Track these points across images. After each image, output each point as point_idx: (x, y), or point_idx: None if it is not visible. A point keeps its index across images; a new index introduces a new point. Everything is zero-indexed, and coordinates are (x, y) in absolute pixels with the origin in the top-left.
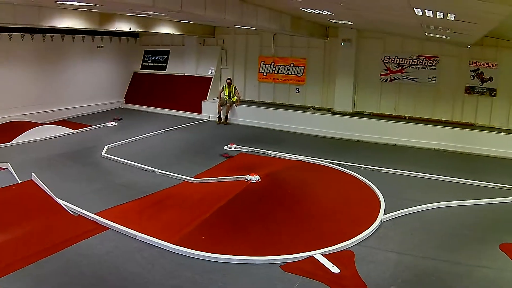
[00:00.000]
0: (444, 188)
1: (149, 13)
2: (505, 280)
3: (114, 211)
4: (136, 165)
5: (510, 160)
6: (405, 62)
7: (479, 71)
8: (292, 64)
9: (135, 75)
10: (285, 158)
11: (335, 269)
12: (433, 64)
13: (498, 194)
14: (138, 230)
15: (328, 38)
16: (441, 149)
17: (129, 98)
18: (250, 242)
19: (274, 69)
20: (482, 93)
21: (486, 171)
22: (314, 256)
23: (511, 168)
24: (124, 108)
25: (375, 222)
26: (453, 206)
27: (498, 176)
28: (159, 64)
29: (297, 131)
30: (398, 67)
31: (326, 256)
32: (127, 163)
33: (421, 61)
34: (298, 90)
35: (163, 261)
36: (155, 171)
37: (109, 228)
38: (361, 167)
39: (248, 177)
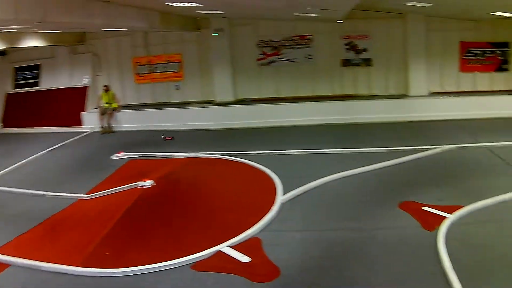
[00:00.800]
0: (337, 160)
1: (12, 27)
2: (408, 236)
3: (12, 245)
4: (25, 192)
5: (392, 123)
6: (280, 44)
7: (353, 44)
8: (168, 61)
9: (9, 96)
10: (175, 157)
11: (245, 259)
12: (308, 43)
13: (389, 157)
14: (41, 260)
15: (200, 30)
16: (327, 123)
17: (7, 122)
18: (157, 249)
19: (150, 68)
20: (359, 64)
21: (374, 137)
22: (221, 250)
23: (395, 131)
24: (3, 133)
25: (275, 205)
26: (348, 176)
27: (386, 140)
28: (32, 81)
29: (183, 128)
30: (273, 50)
31: (234, 247)
32: (15, 191)
33: (296, 41)
34: (177, 86)
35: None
36: (46, 195)
37: (10, 265)
38: (252, 153)
39: (141, 183)
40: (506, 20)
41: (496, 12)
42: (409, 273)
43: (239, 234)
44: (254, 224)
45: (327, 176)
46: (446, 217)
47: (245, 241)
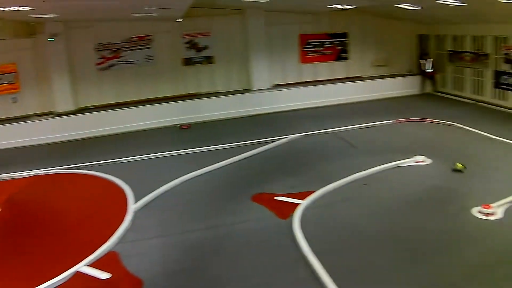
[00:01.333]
0: (187, 161)
1: None
2: (264, 227)
3: None
4: None
5: (238, 119)
6: (119, 47)
7: (193, 42)
8: (1, 73)
9: None
10: (19, 177)
11: (105, 275)
12: (148, 43)
13: (238, 152)
14: None
15: (35, 36)
16: (173, 124)
17: None
18: (11, 279)
19: None
20: (200, 62)
21: (221, 134)
22: (79, 270)
23: (242, 126)
24: None
25: (127, 214)
26: (200, 175)
27: (233, 135)
28: None
29: (24, 144)
30: (113, 53)
31: (92, 265)
32: None
33: (135, 42)
34: (15, 99)
35: None
36: None
37: None
38: (98, 163)
39: None
40: (343, 11)
41: (333, 5)
42: (271, 263)
43: (95, 250)
44: (109, 238)
45: (178, 177)
46: (298, 203)
47: (102, 256)
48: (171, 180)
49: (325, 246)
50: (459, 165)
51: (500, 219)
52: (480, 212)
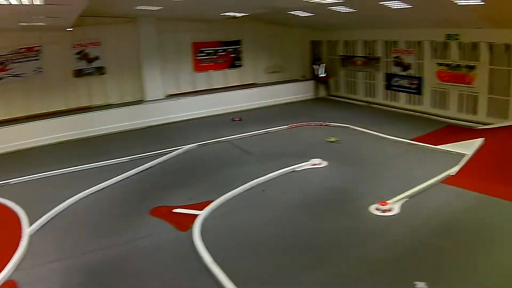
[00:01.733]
0: (81, 178)
1: None
2: (165, 241)
3: None
4: None
5: (132, 131)
6: (6, 59)
7: (84, 52)
8: None
9: None
10: None
11: None
12: (36, 55)
13: (133, 166)
14: None
15: None
16: (65, 140)
17: None
18: None
19: None
20: (92, 73)
21: (115, 147)
22: None
23: (136, 138)
24: None
25: (22, 239)
26: (95, 191)
27: (128, 149)
28: None
29: None
30: (0, 66)
31: None
32: None
33: (23, 54)
34: None
35: None
36: None
37: None
38: None
39: None
40: (236, 19)
41: (226, 12)
42: (175, 277)
43: None
44: (4, 267)
45: (73, 196)
46: (197, 214)
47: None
48: (65, 200)
49: (227, 255)
50: (332, 138)
51: (397, 214)
52: (377, 209)
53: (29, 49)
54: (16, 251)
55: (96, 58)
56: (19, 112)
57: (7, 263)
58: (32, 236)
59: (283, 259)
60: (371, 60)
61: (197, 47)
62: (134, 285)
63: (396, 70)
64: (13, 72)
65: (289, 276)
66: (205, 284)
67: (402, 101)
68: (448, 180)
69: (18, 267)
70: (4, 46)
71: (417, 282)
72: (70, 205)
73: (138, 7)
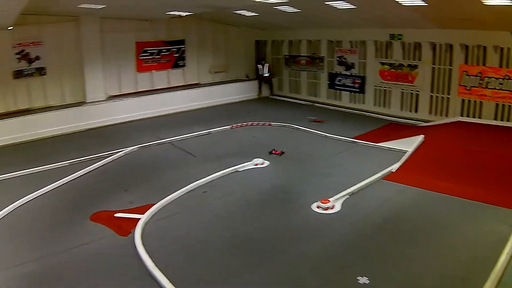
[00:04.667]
0: (16, 185)
1: None
2: (106, 247)
3: None
4: None
5: (72, 134)
6: None
7: (25, 52)
8: None
9: None
10: None
11: None
12: None
13: (72, 170)
14: None
15: None
16: (2, 144)
17: None
18: None
19: None
20: (32, 74)
21: (52, 151)
22: None
23: (75, 141)
24: None
25: None
26: (31, 199)
27: (66, 152)
28: None
29: None
30: None
31: None
32: None
33: None
34: None
35: None
36: None
37: None
38: None
39: None
40: (181, 18)
41: (170, 11)
42: (117, 284)
43: None
44: None
45: (9, 205)
46: (138, 218)
47: None
48: (2, 208)
49: (169, 259)
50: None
51: (338, 212)
52: (319, 207)
53: None
54: None
55: (37, 58)
56: None
57: None
58: None
59: (226, 259)
60: (315, 60)
61: (141, 47)
62: None
63: (340, 69)
64: None
65: (232, 276)
66: None
67: (345, 100)
68: (389, 176)
69: None
70: None
71: (359, 277)
72: (6, 214)
73: (81, 6)
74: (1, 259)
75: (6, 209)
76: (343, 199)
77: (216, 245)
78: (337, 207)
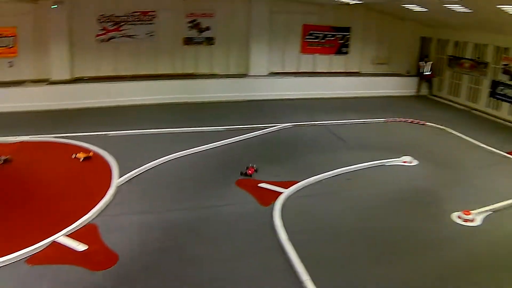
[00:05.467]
0: (176, 140)
1: None
2: (245, 213)
3: None
4: None
5: (233, 102)
6: (121, 20)
7: (196, 22)
8: (0, 35)
9: None
10: (4, 142)
11: (82, 247)
12: (150, 19)
13: (228, 136)
14: None
15: (38, 1)
16: (168, 102)
17: None
18: None
19: None
20: (201, 42)
21: (214, 116)
22: (56, 240)
23: (235, 110)
24: None
25: (110, 188)
26: (187, 155)
27: (226, 119)
28: None
29: (11, 110)
30: (115, 26)
31: (70, 235)
32: None
33: (138, 17)
34: (11, 63)
35: None
36: None
37: None
38: (87, 135)
39: None
40: (349, 5)
41: None
42: (248, 248)
43: (74, 221)
44: (89, 210)
45: (165, 156)
46: (281, 192)
47: (81, 228)
48: (157, 158)
49: (303, 237)
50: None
51: (478, 226)
52: (459, 217)
53: (144, 13)
54: (102, 199)
55: (207, 29)
56: (125, 71)
57: (92, 208)
58: (119, 187)
59: (356, 249)
60: (479, 64)
61: (307, 30)
62: (207, 248)
63: (504, 78)
64: (127, 33)
65: (359, 267)
66: (275, 260)
67: (505, 111)
68: None
69: (101, 213)
70: (121, 8)
71: None
72: (161, 164)
73: None
74: (147, 203)
75: (161, 159)
76: (486, 214)
77: (349, 233)
78: (478, 221)
